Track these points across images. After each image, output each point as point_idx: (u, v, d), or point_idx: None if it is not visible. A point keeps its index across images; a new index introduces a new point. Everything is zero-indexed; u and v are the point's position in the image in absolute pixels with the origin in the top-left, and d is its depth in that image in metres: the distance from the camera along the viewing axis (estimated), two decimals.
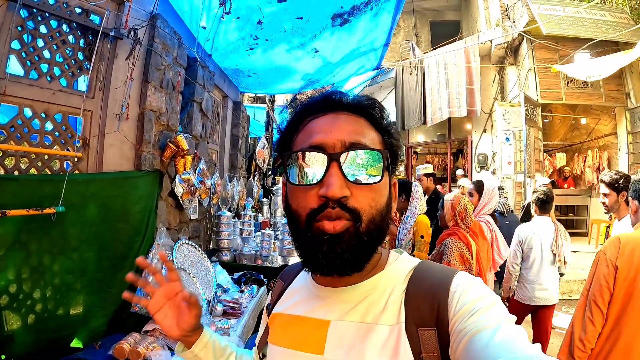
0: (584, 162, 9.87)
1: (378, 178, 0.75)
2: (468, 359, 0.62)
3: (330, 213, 0.72)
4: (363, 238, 0.73)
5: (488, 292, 0.72)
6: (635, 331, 1.88)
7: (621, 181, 2.76)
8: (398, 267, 0.83)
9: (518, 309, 3.90)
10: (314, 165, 0.75)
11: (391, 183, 0.83)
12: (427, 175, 5.65)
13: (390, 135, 0.84)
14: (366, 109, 0.82)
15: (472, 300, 0.70)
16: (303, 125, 0.82)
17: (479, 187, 4.28)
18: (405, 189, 4.01)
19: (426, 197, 5.22)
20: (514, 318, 0.67)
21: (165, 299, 0.95)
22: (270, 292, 1.04)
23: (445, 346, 0.69)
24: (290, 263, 3.83)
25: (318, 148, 0.75)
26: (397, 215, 5.03)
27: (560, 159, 10.78)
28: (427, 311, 0.73)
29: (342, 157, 0.73)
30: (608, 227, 8.20)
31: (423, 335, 0.71)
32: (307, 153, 0.76)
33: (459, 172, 10.05)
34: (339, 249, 0.72)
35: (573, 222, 10.14)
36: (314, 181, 0.74)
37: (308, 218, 0.74)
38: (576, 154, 10.41)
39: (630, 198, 2.20)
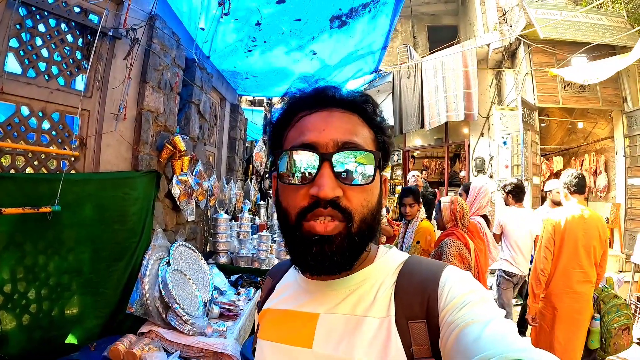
0: (581, 165, 9.88)
1: (370, 179, 0.75)
2: (458, 352, 0.62)
3: (321, 212, 0.71)
4: (355, 239, 0.73)
5: (478, 286, 0.73)
6: (567, 259, 3.45)
7: (508, 186, 4.72)
8: (387, 260, 0.83)
9: None
10: (306, 164, 0.75)
11: (381, 180, 0.83)
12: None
13: (383, 132, 0.83)
14: (360, 105, 0.81)
15: (462, 294, 0.70)
16: (295, 121, 0.81)
17: (468, 189, 4.44)
18: (418, 197, 4.06)
19: None
20: (504, 312, 0.68)
21: None
22: (260, 289, 1.03)
23: (435, 339, 0.69)
24: None
25: (310, 147, 0.75)
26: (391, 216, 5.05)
27: (557, 162, 10.78)
28: (417, 304, 0.73)
29: (335, 157, 0.73)
30: None
31: (413, 328, 0.71)
32: (299, 152, 0.75)
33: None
34: (329, 251, 0.72)
35: None
36: (305, 181, 0.74)
37: (298, 217, 0.74)
38: (573, 158, 10.43)
39: (559, 190, 3.87)
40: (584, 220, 3.45)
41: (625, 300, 3.51)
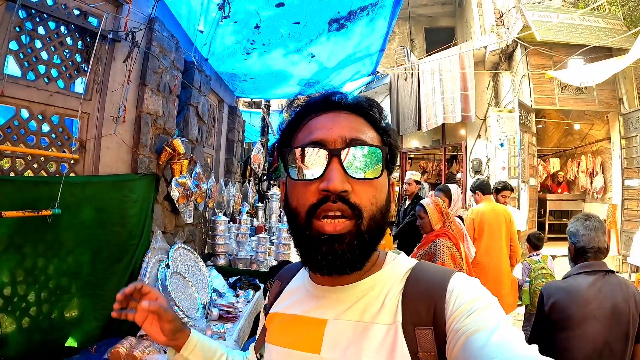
0: (578, 167, 9.94)
1: (378, 174, 0.77)
2: (465, 359, 0.63)
3: (331, 207, 0.72)
4: (364, 237, 0.74)
5: (485, 293, 0.73)
6: (487, 239, 4.68)
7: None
8: (395, 266, 0.84)
9: None
10: (315, 160, 0.76)
11: (390, 183, 0.85)
12: (417, 182, 6.06)
13: (388, 135, 0.85)
14: (365, 109, 0.83)
15: (469, 301, 0.70)
16: (304, 124, 0.83)
17: (447, 192, 4.64)
18: None
19: (408, 202, 5.97)
20: (511, 319, 0.68)
21: (147, 310, 0.97)
22: (268, 292, 1.04)
23: (442, 345, 0.70)
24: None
25: (319, 144, 0.76)
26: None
27: (554, 164, 10.85)
28: (424, 310, 0.73)
29: (343, 152, 0.74)
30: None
31: (420, 335, 0.72)
32: (308, 149, 0.77)
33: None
34: (340, 250, 0.73)
35: (567, 227, 10.17)
36: (315, 176, 0.75)
37: (308, 214, 0.75)
38: (570, 159, 10.48)
39: (472, 191, 5.15)
40: (494, 212, 4.84)
41: (551, 272, 4.40)
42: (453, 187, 4.73)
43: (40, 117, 2.38)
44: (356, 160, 0.75)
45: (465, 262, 3.21)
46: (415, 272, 0.81)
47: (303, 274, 0.94)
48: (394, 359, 0.70)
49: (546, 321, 2.35)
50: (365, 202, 0.74)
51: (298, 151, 0.78)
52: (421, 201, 3.51)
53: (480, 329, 0.64)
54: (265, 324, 0.95)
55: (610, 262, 7.80)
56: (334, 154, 0.74)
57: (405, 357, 0.70)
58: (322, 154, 0.75)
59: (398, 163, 11.23)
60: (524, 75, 8.15)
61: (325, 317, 0.80)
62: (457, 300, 0.71)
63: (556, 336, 2.27)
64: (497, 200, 5.42)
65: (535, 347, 0.61)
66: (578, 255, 2.45)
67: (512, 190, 5.57)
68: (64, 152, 2.52)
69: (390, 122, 0.88)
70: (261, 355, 0.95)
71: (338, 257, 0.73)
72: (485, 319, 0.66)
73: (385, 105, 10.54)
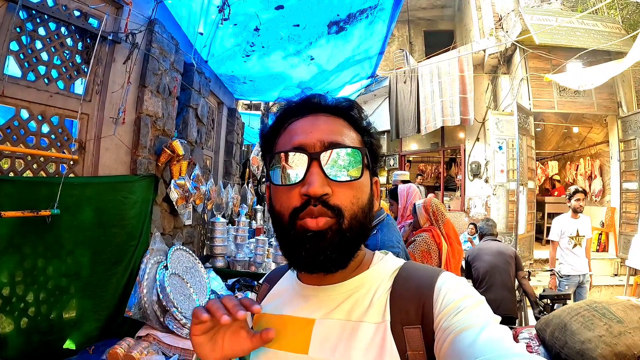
0: (576, 170, 9.95)
1: (358, 175, 0.77)
2: (453, 357, 0.63)
3: (312, 211, 0.73)
4: (346, 235, 0.75)
5: (473, 292, 0.74)
6: None
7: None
8: (383, 266, 0.85)
9: None
10: (296, 165, 0.77)
11: (372, 181, 0.85)
12: (404, 182, 5.68)
13: (369, 135, 0.86)
14: (344, 110, 0.85)
15: (457, 299, 0.71)
16: (284, 128, 0.85)
17: (393, 194, 4.25)
18: None
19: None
20: (499, 318, 0.69)
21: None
22: (256, 295, 1.03)
23: (431, 344, 0.70)
24: None
25: (299, 149, 0.77)
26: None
27: (553, 167, 10.86)
28: (412, 309, 0.74)
29: (322, 156, 0.75)
30: (600, 234, 8.26)
31: (408, 334, 0.72)
32: (289, 154, 0.78)
33: None
34: (322, 246, 0.73)
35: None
36: (296, 181, 0.76)
37: (291, 217, 0.76)
38: (568, 162, 10.50)
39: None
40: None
41: None
42: (402, 186, 4.24)
43: (40, 117, 2.39)
44: (336, 162, 0.76)
45: (445, 264, 3.20)
46: (403, 272, 0.82)
47: (291, 275, 0.94)
48: (382, 357, 0.71)
49: (467, 264, 4.69)
50: (346, 203, 0.75)
51: (280, 156, 0.79)
52: (416, 202, 3.58)
53: (469, 327, 0.64)
54: (253, 326, 0.94)
55: (608, 264, 7.86)
56: (313, 158, 0.75)
57: (394, 356, 0.70)
58: (303, 159, 0.76)
59: (397, 166, 11.24)
60: (522, 79, 8.17)
61: (313, 317, 0.81)
62: (445, 299, 0.72)
63: (471, 268, 4.61)
64: (571, 205, 5.30)
65: (523, 345, 0.61)
66: (483, 236, 4.88)
67: (585, 193, 5.61)
68: (64, 152, 2.53)
69: (371, 121, 0.89)
70: None
71: (321, 252, 0.73)
72: (473, 317, 0.66)
73: (385, 108, 10.57)
